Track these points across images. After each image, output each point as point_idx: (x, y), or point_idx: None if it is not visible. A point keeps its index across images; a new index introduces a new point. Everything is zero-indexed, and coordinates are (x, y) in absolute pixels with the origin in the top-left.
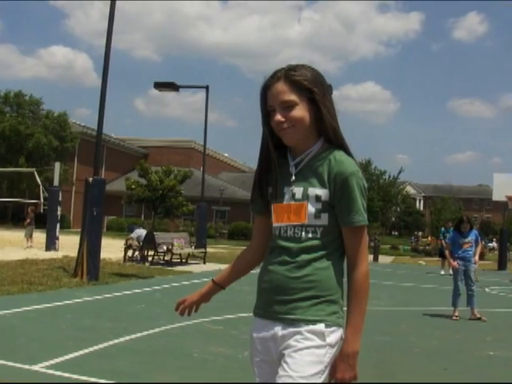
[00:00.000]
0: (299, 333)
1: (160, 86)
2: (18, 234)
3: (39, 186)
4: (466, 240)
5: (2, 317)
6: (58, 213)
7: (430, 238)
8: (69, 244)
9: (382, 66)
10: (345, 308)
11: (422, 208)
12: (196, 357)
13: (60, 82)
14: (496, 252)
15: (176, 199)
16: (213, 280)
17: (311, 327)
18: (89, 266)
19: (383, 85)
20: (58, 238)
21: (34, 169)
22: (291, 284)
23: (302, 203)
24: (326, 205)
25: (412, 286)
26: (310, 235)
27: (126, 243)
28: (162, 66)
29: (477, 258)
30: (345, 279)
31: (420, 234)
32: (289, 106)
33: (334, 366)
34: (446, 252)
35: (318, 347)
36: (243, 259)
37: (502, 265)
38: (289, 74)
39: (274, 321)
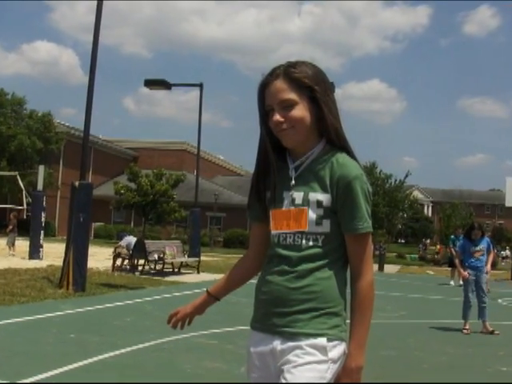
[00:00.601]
0: (299, 347)
1: (151, 83)
2: None
3: (22, 190)
4: (477, 248)
5: None
6: (42, 219)
7: (438, 246)
8: (54, 252)
9: (388, 62)
10: (348, 321)
11: (430, 214)
12: (189, 372)
13: (44, 79)
14: (509, 261)
15: (168, 205)
16: (207, 291)
17: (312, 341)
18: (75, 276)
19: (389, 83)
20: (42, 246)
21: (17, 172)
22: (291, 295)
23: (303, 209)
24: (328, 211)
25: (419, 298)
26: (310, 243)
27: (114, 252)
28: (152, 62)
29: (489, 267)
30: (348, 290)
31: (428, 241)
32: (288, 106)
33: (336, 382)
34: (456, 261)
35: (319, 362)
36: (240, 269)
37: None
38: (288, 72)
39: (272, 334)
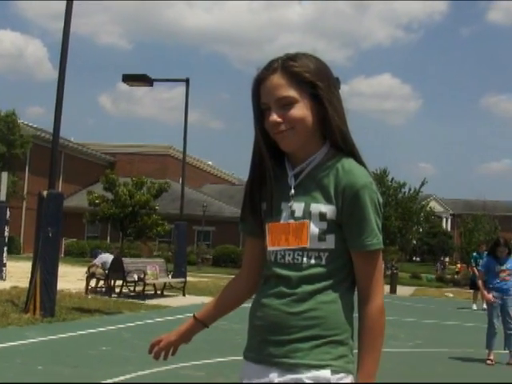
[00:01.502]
0: (300, 380)
1: (130, 79)
2: None
3: None
4: (504, 267)
5: None
6: (6, 234)
7: (459, 265)
8: (18, 272)
9: (401, 54)
10: (355, 350)
11: (449, 228)
12: None
13: (7, 74)
14: None
15: (149, 217)
16: (194, 316)
17: (314, 373)
18: (43, 299)
19: (402, 78)
20: (5, 265)
21: None
22: (290, 321)
23: (303, 222)
24: (333, 224)
25: (437, 324)
26: (312, 261)
27: (88, 271)
28: (132, 54)
29: None
30: (355, 315)
31: (447, 259)
32: (287, 104)
33: None
34: (479, 282)
35: None
36: (231, 291)
37: None
38: (287, 65)
39: (269, 366)
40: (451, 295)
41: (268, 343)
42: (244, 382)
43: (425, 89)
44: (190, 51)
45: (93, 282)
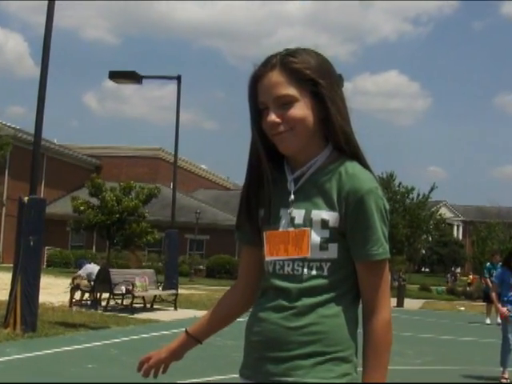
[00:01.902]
0: None
1: (117, 76)
2: None
3: None
4: None
5: None
6: None
7: (471, 277)
8: None
9: (409, 50)
10: (360, 368)
11: (460, 237)
12: None
13: None
14: None
15: (138, 225)
16: (186, 331)
17: None
18: (24, 312)
19: (410, 75)
20: None
21: None
22: (289, 336)
23: (304, 230)
24: (335, 232)
25: (448, 339)
26: (313, 272)
27: (72, 283)
28: (119, 50)
29: None
30: (360, 330)
31: (458, 270)
32: (286, 103)
33: None
34: (493, 294)
35: None
36: (226, 304)
37: None
38: (286, 61)
39: None
40: (463, 308)
41: (266, 360)
42: None
43: (434, 87)
44: (182, 46)
45: (77, 295)
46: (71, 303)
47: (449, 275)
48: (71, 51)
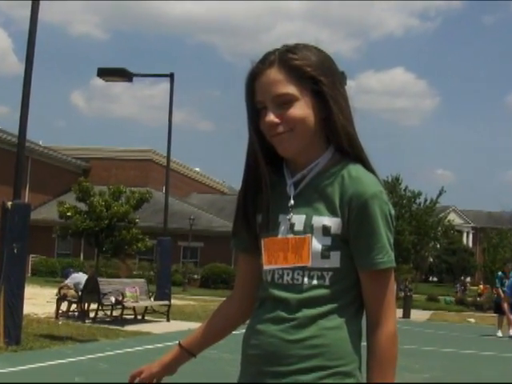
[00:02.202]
0: None
1: (106, 73)
2: None
3: None
4: None
5: None
6: None
7: (481, 286)
8: None
9: (416, 46)
10: (364, 383)
11: (470, 244)
12: None
13: None
14: None
15: (128, 232)
16: (180, 344)
17: None
18: (7, 324)
19: (417, 72)
20: None
21: None
22: (289, 350)
23: (305, 237)
24: (338, 240)
25: (457, 353)
26: (314, 282)
27: (58, 293)
28: (109, 46)
29: None
30: (363, 343)
31: (468, 279)
32: (285, 102)
33: None
34: (505, 305)
35: None
36: (222, 316)
37: None
38: (286, 58)
39: None
40: (473, 320)
41: (264, 375)
42: None
43: (442, 85)
44: (175, 42)
45: (64, 306)
46: (57, 314)
47: (458, 285)
48: (58, 47)
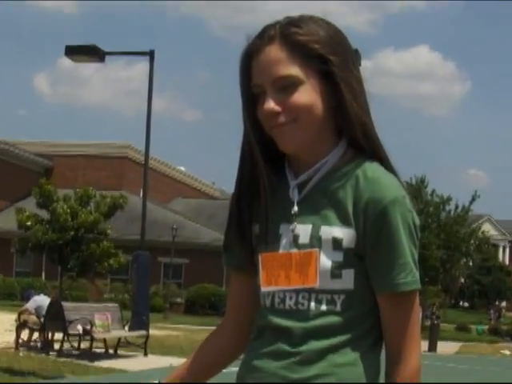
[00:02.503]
0: None
1: (75, 51)
2: None
3: None
4: None
5: None
6: None
7: None
8: None
9: (442, 21)
10: None
11: (507, 261)
12: None
13: None
14: None
15: (98, 245)
16: None
17: None
18: None
19: (444, 52)
20: None
21: None
22: None
23: (311, 252)
24: (351, 255)
25: None
26: (323, 307)
27: (18, 319)
28: (78, 20)
29: None
30: (382, 379)
31: (503, 304)
32: (288, 86)
33: None
34: None
35: None
36: (211, 349)
37: None
38: (288, 33)
39: None
40: (508, 353)
41: None
42: None
43: (474, 67)
44: (155, 14)
45: (25, 334)
46: (17, 345)
47: (492, 311)
48: (19, 23)
